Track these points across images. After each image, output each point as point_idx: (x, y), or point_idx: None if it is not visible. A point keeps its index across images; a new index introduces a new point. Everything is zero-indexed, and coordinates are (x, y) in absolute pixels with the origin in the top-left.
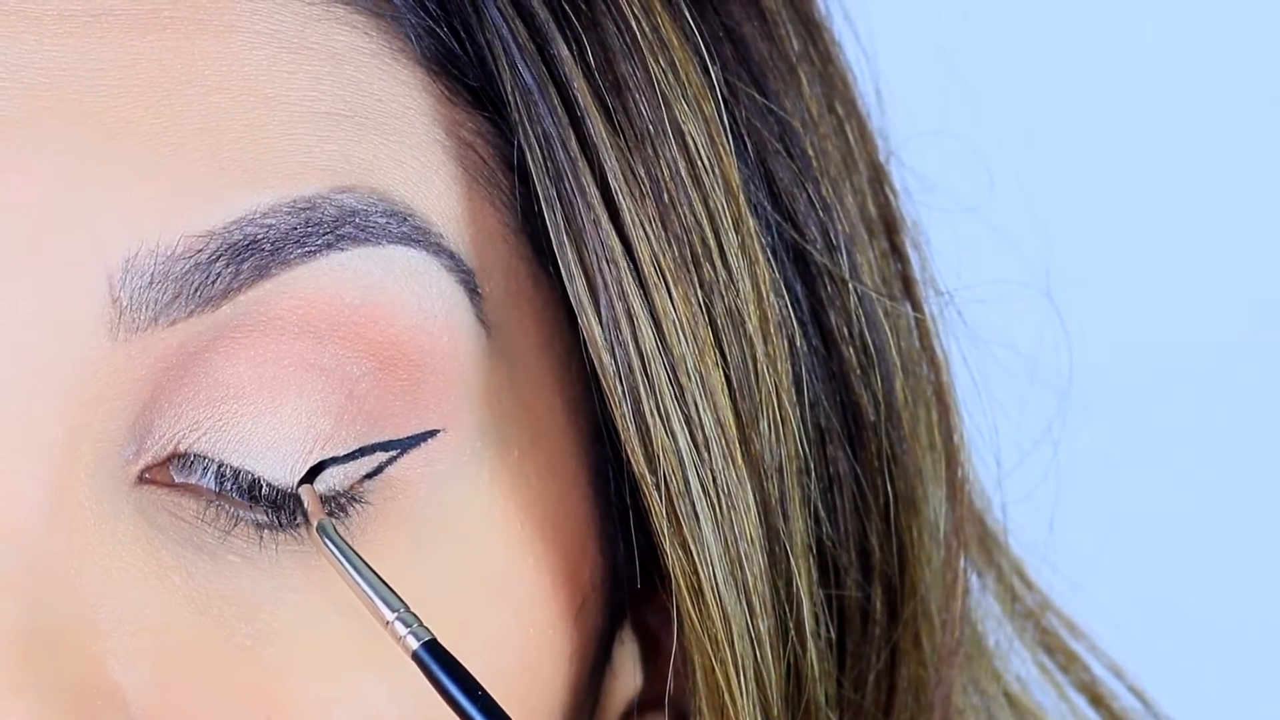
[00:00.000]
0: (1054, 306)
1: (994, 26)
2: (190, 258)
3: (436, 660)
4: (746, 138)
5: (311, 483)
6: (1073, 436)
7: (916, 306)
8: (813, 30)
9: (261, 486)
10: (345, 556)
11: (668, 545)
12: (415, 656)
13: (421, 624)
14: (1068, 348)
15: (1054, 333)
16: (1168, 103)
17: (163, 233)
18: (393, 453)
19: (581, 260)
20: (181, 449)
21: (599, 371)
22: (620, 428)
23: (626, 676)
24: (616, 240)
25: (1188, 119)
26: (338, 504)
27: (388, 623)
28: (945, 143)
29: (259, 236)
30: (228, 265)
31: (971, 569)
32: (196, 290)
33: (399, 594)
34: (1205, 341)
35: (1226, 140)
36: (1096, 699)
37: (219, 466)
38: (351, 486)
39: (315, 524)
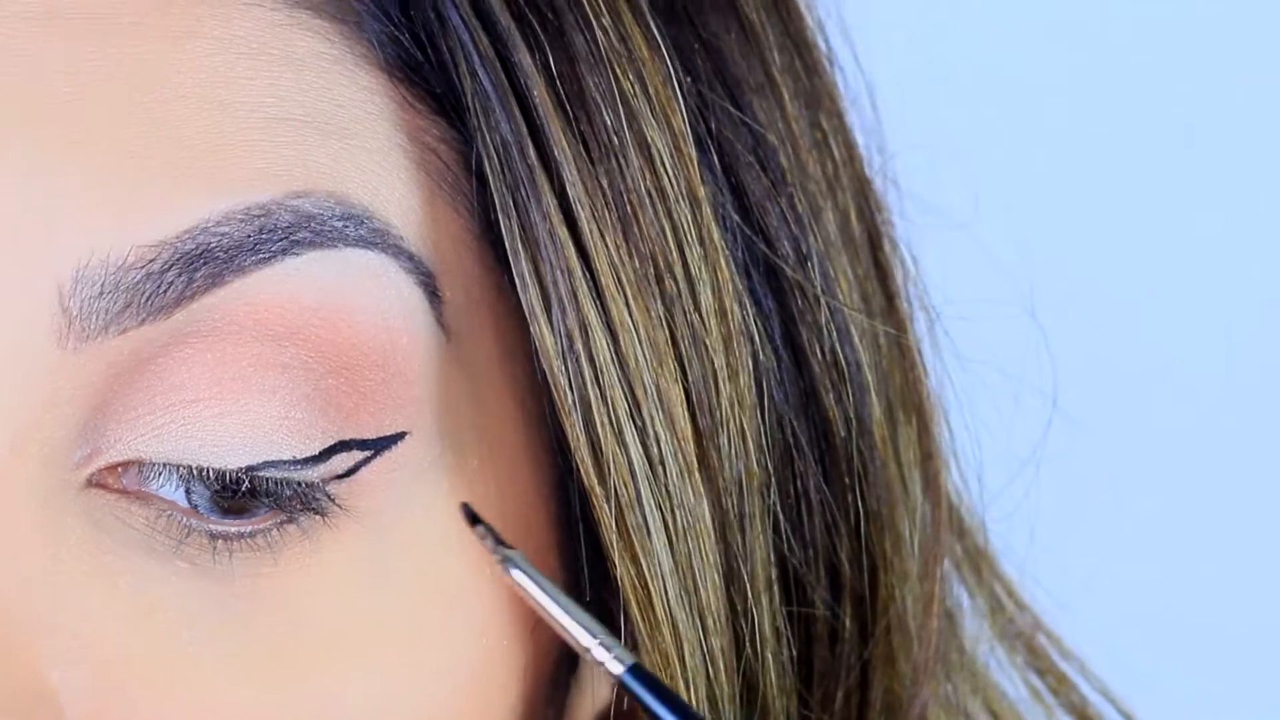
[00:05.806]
0: (1038, 325)
1: (983, 44)
2: (142, 268)
3: (643, 683)
4: (718, 150)
5: (479, 523)
6: (1057, 456)
7: (899, 324)
8: (800, 47)
9: (241, 483)
10: (540, 586)
11: (616, 558)
12: (620, 681)
13: (622, 647)
14: (1051, 367)
15: (1038, 351)
16: (1156, 119)
17: (114, 243)
18: (367, 453)
19: (536, 268)
20: (145, 457)
21: (550, 381)
22: (570, 438)
23: (592, 693)
24: (573, 249)
25: (1176, 135)
26: (312, 499)
27: (588, 649)
28: (933, 158)
29: (212, 245)
30: (180, 274)
31: (962, 589)
32: (148, 299)
33: (596, 619)
34: (1192, 359)
35: (1215, 158)
36: None
37: (183, 470)
38: (324, 483)
39: (501, 557)
